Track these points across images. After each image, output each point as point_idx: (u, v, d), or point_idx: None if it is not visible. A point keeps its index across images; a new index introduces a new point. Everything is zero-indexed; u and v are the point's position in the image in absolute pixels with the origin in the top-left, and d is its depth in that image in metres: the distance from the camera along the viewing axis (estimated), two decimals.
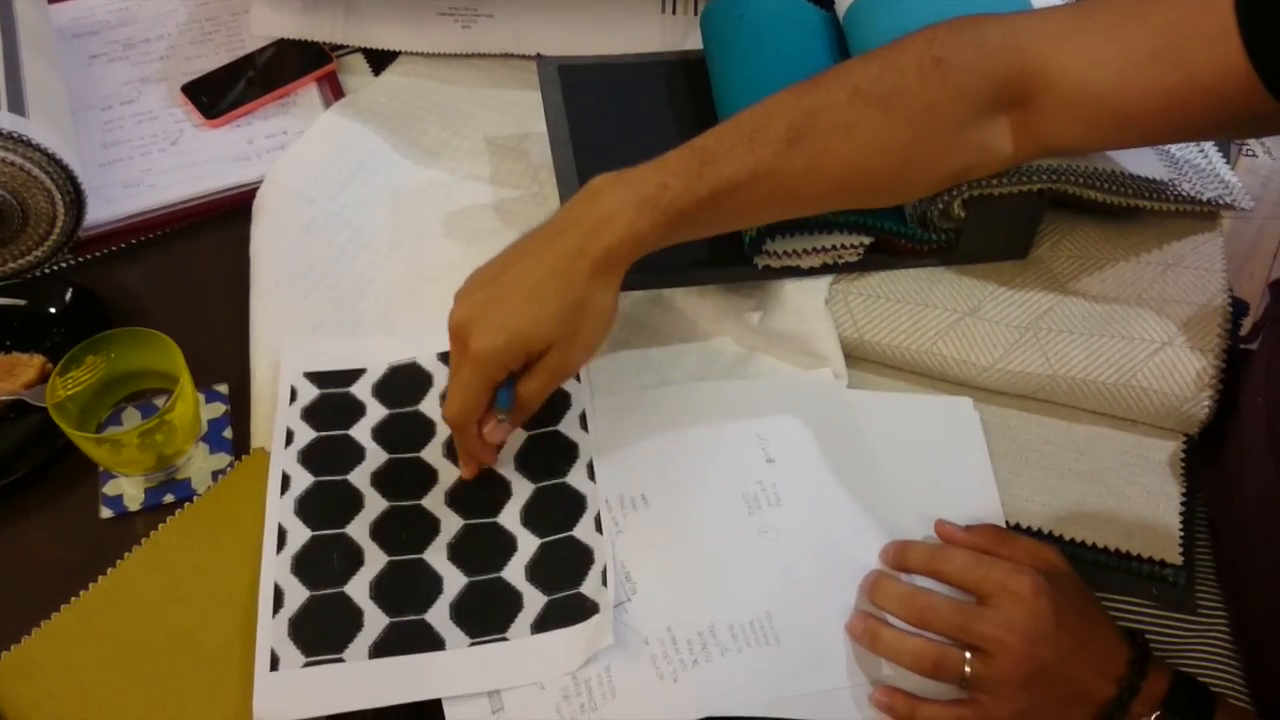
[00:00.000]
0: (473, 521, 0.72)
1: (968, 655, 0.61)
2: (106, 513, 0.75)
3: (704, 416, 0.76)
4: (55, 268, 0.88)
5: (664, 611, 0.67)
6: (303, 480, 0.74)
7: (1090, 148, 0.75)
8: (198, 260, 0.91)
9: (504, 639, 0.67)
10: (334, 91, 1.01)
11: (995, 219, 0.78)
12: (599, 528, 0.71)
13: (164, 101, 1.01)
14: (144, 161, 0.95)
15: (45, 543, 0.75)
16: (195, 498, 0.75)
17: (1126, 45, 0.65)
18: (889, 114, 0.69)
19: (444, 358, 0.81)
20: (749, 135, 0.69)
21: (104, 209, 0.91)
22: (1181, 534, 0.71)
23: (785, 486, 0.72)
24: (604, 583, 0.68)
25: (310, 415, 0.78)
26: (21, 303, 0.84)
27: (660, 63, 0.96)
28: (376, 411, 0.79)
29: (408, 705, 0.65)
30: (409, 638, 0.67)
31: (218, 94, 1.00)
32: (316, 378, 0.80)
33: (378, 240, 0.89)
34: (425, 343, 0.82)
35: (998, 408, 0.78)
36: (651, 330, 0.83)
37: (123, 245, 0.91)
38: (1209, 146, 0.85)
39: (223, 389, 0.81)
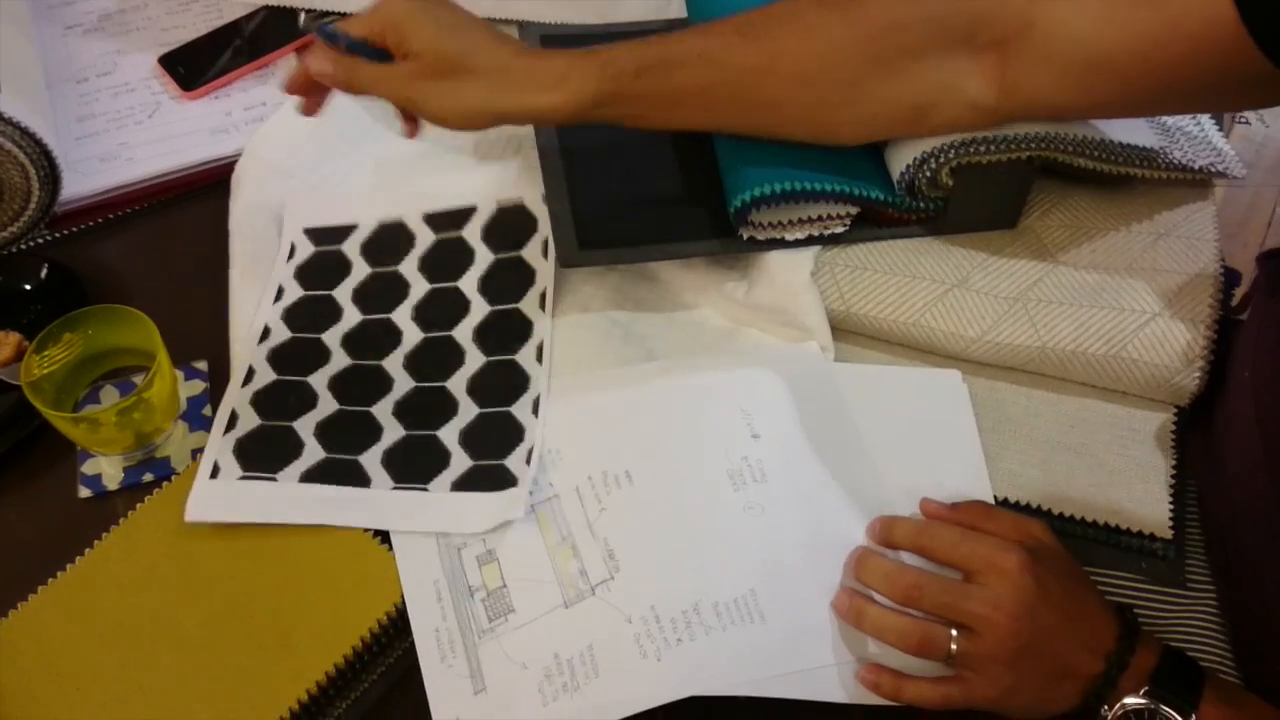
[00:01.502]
0: (423, 385, 0.77)
1: (954, 633, 0.61)
2: (85, 492, 0.74)
3: (688, 392, 0.76)
4: (31, 243, 0.87)
5: (648, 589, 0.66)
6: (281, 334, 0.80)
7: (1068, 100, 0.71)
8: (176, 235, 0.89)
9: (424, 489, 0.71)
10: None
11: (984, 187, 0.77)
12: (535, 411, 0.74)
13: (141, 73, 0.99)
14: (121, 134, 0.94)
15: (22, 523, 0.74)
16: (175, 476, 0.74)
17: None
18: (851, 24, 0.69)
19: (429, 219, 0.86)
20: (705, 26, 0.72)
21: (80, 183, 0.90)
22: (1171, 508, 0.71)
23: (771, 462, 0.71)
24: (527, 461, 0.71)
25: (302, 274, 0.83)
26: None
27: (644, 31, 0.93)
28: (360, 270, 0.84)
29: (390, 687, 0.66)
30: (339, 472, 0.72)
31: (195, 65, 0.98)
32: (314, 234, 0.85)
33: None
34: (414, 202, 0.86)
35: (986, 380, 0.77)
36: (636, 304, 0.82)
37: (100, 220, 0.89)
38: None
39: (202, 366, 0.80)
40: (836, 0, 0.70)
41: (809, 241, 0.79)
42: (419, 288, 0.82)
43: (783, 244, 0.79)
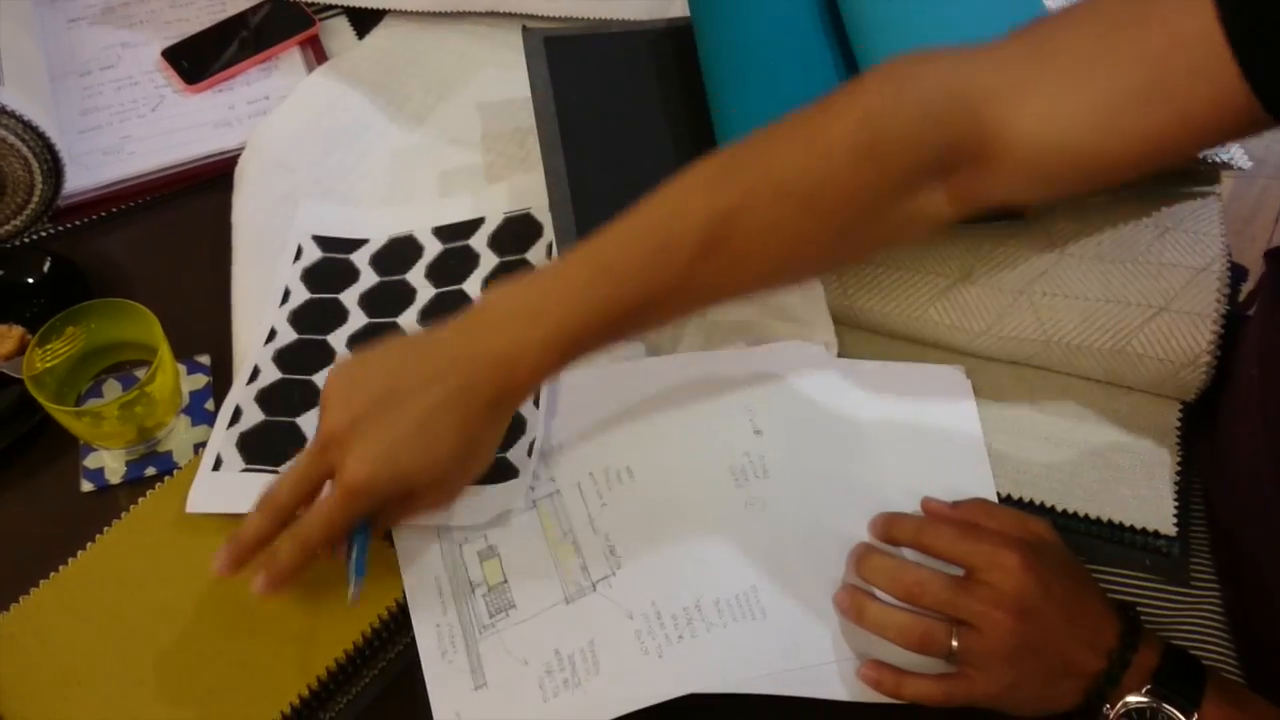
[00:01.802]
0: None
1: (955, 629, 0.60)
2: (87, 486, 0.75)
3: (691, 387, 0.75)
4: (34, 237, 0.87)
5: (649, 585, 0.66)
6: (287, 336, 0.80)
7: (1046, 199, 0.68)
8: (179, 229, 0.89)
9: None
10: (317, 55, 1.00)
11: None
12: (536, 402, 0.74)
13: (144, 66, 0.99)
14: (124, 128, 0.94)
15: (25, 517, 0.74)
16: (177, 470, 0.74)
17: (1101, 89, 0.56)
18: (816, 212, 0.61)
19: (438, 231, 0.86)
20: (659, 247, 0.61)
21: (84, 177, 0.90)
22: (1176, 505, 0.70)
23: (773, 458, 0.71)
24: (529, 453, 0.72)
25: (308, 276, 0.84)
26: None
27: (647, 31, 0.93)
28: (369, 279, 0.84)
29: (391, 682, 0.66)
30: None
31: (198, 59, 0.98)
32: (323, 241, 0.86)
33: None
34: (425, 218, 0.87)
35: (990, 376, 0.77)
36: None
37: (102, 214, 0.89)
38: None
39: (204, 360, 0.80)
40: (796, 188, 0.61)
41: None
42: (425, 293, 0.82)
43: None
